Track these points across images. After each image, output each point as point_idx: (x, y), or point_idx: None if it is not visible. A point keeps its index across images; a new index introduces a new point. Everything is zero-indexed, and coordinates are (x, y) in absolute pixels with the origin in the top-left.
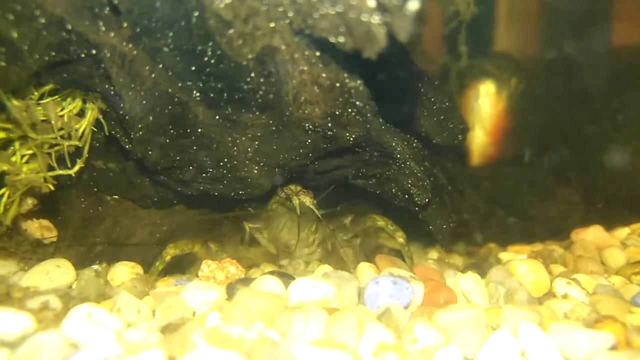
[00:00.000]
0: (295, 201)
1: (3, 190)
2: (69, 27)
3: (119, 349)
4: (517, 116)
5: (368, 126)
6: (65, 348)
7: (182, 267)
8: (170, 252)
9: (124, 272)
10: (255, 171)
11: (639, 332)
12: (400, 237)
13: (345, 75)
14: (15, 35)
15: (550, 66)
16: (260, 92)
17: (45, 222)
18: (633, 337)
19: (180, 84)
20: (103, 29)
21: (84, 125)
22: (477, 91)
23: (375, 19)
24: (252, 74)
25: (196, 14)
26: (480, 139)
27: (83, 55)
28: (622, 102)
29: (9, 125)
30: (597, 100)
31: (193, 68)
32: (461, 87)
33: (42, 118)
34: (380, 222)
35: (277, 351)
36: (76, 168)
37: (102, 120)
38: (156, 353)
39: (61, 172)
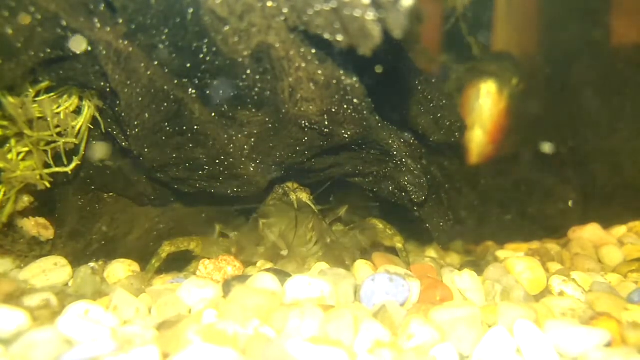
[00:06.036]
0: (293, 197)
1: None
2: (64, 23)
3: (113, 346)
4: (515, 114)
5: (364, 123)
6: (59, 345)
7: (179, 264)
8: (166, 250)
9: (121, 269)
10: (252, 169)
11: (635, 329)
12: (399, 242)
13: (341, 72)
14: (9, 31)
15: (548, 64)
16: (256, 90)
17: (42, 220)
18: (628, 334)
19: (176, 81)
20: (98, 25)
21: (81, 122)
22: (477, 90)
23: (370, 15)
24: (248, 71)
25: (191, 10)
26: (478, 137)
27: (78, 52)
28: (621, 100)
29: (4, 123)
30: (596, 98)
31: (189, 65)
32: (459, 85)
33: (38, 115)
34: (379, 226)
35: (271, 347)
36: (72, 166)
37: (99, 118)
38: (150, 349)
39: (57, 169)
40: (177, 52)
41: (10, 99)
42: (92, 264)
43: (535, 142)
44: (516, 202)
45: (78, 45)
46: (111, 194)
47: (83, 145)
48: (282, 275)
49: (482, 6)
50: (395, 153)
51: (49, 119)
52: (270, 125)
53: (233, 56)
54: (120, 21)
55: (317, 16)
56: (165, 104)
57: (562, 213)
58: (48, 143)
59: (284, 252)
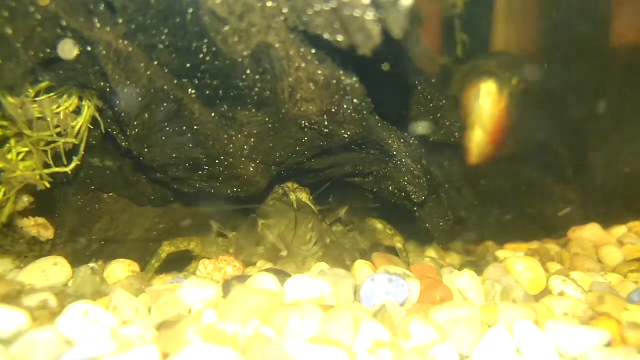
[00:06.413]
0: (292, 197)
1: None
2: (64, 23)
3: (113, 346)
4: (515, 115)
5: (364, 123)
6: (59, 345)
7: (179, 264)
8: (166, 250)
9: (121, 269)
10: (252, 169)
11: (634, 329)
12: (399, 242)
13: (341, 72)
14: (9, 31)
15: (548, 64)
16: (256, 90)
17: (42, 220)
18: (628, 334)
19: (175, 81)
20: (98, 25)
21: (81, 122)
22: (477, 90)
23: (370, 15)
24: (248, 71)
25: (191, 10)
26: (478, 137)
27: (78, 52)
28: (621, 100)
29: (4, 123)
30: (596, 98)
31: (188, 65)
32: (460, 85)
33: (38, 115)
34: (379, 226)
35: (271, 347)
36: (72, 166)
37: (99, 118)
38: (150, 349)
39: (57, 169)
40: (177, 52)
41: (10, 99)
42: (91, 264)
43: (535, 142)
44: (516, 202)
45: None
46: (111, 194)
47: (83, 145)
48: (282, 275)
49: (481, 5)
50: (395, 153)
51: (48, 119)
52: (270, 126)
53: (233, 56)
54: (120, 21)
55: (317, 16)
56: (165, 104)
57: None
58: (48, 143)
59: (283, 254)
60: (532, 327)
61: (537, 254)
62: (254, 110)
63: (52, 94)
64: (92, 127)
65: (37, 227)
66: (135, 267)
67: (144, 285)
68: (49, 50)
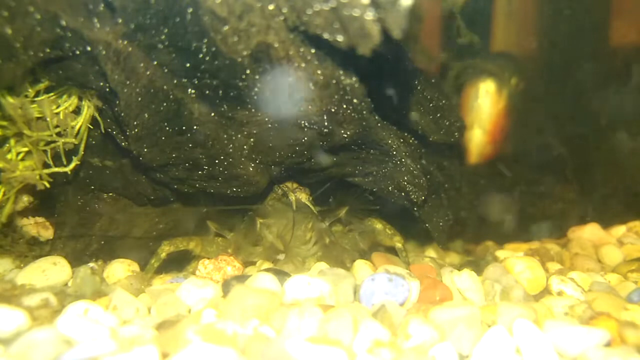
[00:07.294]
0: (292, 197)
1: None
2: (64, 23)
3: (113, 346)
4: (514, 114)
5: (364, 123)
6: (59, 345)
7: (178, 264)
8: (165, 249)
9: (120, 269)
10: (251, 169)
11: (634, 329)
12: (398, 242)
13: (341, 72)
14: (9, 31)
15: (547, 63)
16: (256, 89)
17: (41, 220)
18: (627, 334)
19: (175, 81)
20: (97, 25)
21: (80, 122)
22: (475, 89)
23: (369, 15)
24: (247, 71)
25: (190, 10)
26: (477, 136)
27: (78, 52)
28: (620, 100)
29: (4, 123)
30: (595, 98)
31: (188, 65)
32: (457, 84)
33: (37, 115)
34: (379, 226)
35: (271, 347)
36: (72, 165)
37: (98, 118)
38: (150, 349)
39: (57, 169)
40: (176, 52)
41: (10, 99)
42: (91, 264)
43: (535, 142)
44: (516, 202)
45: None
46: (111, 194)
47: (82, 145)
48: (282, 275)
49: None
50: (394, 153)
51: (48, 119)
52: (269, 125)
53: (232, 56)
54: (120, 21)
55: (317, 16)
56: (165, 104)
57: (562, 213)
58: (47, 143)
59: (280, 256)
60: (532, 327)
61: (536, 253)
62: (253, 110)
63: (52, 94)
64: (91, 127)
65: (36, 227)
66: (135, 266)
67: (144, 285)
68: (48, 50)
